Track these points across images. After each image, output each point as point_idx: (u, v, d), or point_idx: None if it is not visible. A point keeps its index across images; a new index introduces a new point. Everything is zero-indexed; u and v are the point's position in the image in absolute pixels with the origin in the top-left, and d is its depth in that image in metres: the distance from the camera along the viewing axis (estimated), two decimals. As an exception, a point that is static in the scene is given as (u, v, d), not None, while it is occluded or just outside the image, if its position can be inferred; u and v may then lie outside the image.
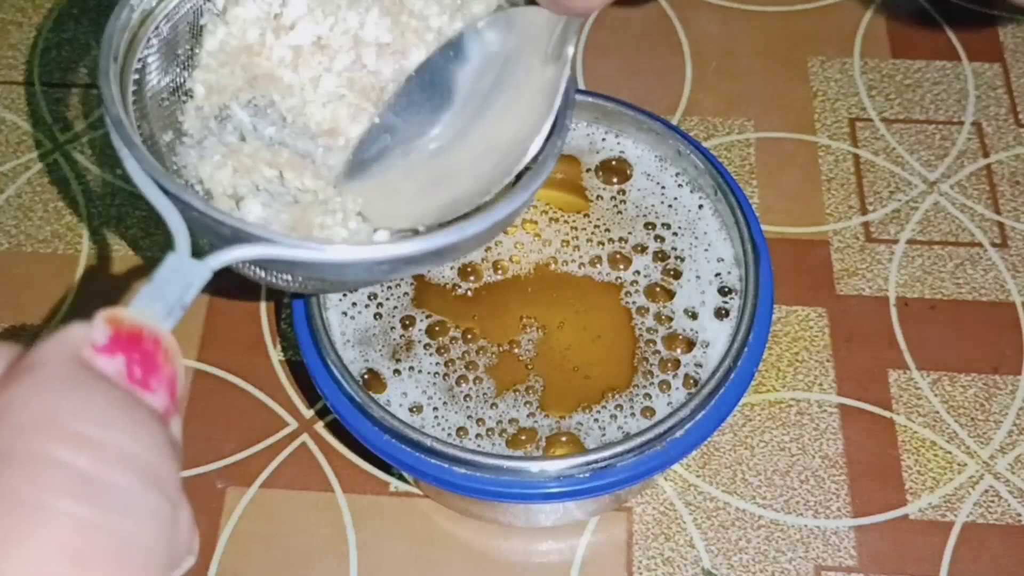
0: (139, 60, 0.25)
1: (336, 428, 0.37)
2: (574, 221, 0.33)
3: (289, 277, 0.24)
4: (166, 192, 0.21)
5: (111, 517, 0.13)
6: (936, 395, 0.38)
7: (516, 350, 0.31)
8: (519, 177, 0.25)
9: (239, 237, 0.21)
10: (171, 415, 0.16)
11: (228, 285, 0.41)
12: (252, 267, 0.25)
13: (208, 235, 0.22)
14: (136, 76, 0.25)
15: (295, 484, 0.36)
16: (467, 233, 0.22)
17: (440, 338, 0.31)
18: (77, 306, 0.40)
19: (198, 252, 0.19)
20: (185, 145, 0.26)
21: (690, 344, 0.31)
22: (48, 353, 0.15)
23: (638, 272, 0.32)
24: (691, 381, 0.30)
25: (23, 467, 0.13)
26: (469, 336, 0.31)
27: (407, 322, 0.31)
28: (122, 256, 0.42)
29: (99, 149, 0.45)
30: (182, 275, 0.18)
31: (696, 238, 0.32)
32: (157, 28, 0.25)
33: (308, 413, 0.38)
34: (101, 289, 0.41)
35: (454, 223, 0.22)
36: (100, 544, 0.13)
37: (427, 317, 0.31)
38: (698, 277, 0.32)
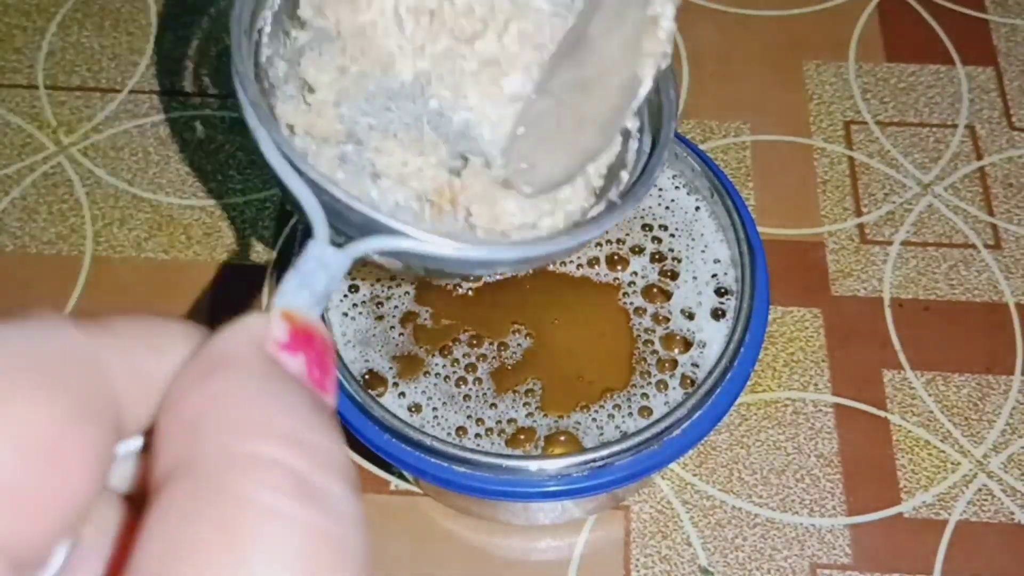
0: (256, 33, 0.24)
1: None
2: (572, 223, 0.34)
3: (422, 267, 0.23)
4: (305, 178, 0.20)
5: (327, 521, 0.13)
6: (930, 395, 0.38)
7: (515, 350, 0.31)
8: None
9: (377, 228, 0.20)
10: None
11: (231, 285, 0.41)
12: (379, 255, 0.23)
13: (340, 222, 0.20)
14: (255, 48, 0.24)
15: (297, 483, 0.37)
16: (598, 230, 0.22)
17: (441, 339, 0.32)
18: (82, 307, 0.41)
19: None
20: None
21: (687, 344, 0.31)
22: (239, 346, 0.14)
23: (636, 273, 0.32)
24: (688, 381, 0.30)
25: (246, 468, 0.12)
26: (469, 336, 0.32)
27: (407, 322, 0.32)
28: (126, 258, 0.42)
29: (103, 152, 0.45)
30: (325, 264, 0.17)
31: (693, 239, 0.33)
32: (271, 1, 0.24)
33: (309, 413, 0.38)
34: (105, 290, 0.41)
35: (584, 224, 0.22)
36: (326, 550, 0.13)
37: (428, 317, 0.32)
38: (695, 278, 0.32)
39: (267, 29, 0.24)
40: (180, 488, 0.12)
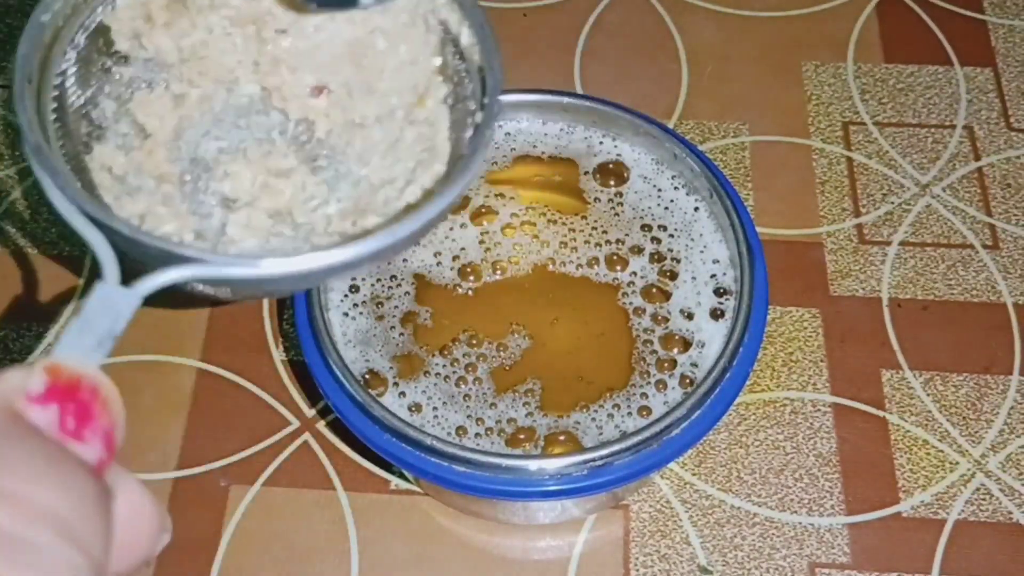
0: (58, 76, 0.24)
1: (337, 427, 0.38)
2: (572, 223, 0.34)
3: (227, 291, 0.23)
4: (92, 219, 0.20)
5: (23, 574, 0.13)
6: (928, 395, 0.38)
7: (515, 350, 0.32)
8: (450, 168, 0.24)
9: (169, 259, 0.20)
10: (106, 465, 0.15)
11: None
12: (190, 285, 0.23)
13: (140, 257, 0.21)
14: (56, 93, 0.23)
15: (297, 482, 0.37)
16: (402, 233, 0.21)
17: (441, 339, 0.32)
18: (82, 307, 0.41)
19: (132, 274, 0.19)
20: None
21: (686, 344, 0.31)
22: None
23: (635, 273, 0.33)
24: (687, 381, 0.31)
25: None
26: (469, 336, 0.32)
27: (407, 322, 0.32)
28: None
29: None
30: (111, 305, 0.17)
31: (692, 240, 0.33)
32: (73, 40, 0.24)
33: (310, 412, 0.38)
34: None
35: (390, 224, 0.22)
36: None
37: (428, 317, 0.32)
38: (694, 278, 0.32)
39: (71, 70, 0.24)
40: None
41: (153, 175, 0.24)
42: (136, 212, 0.23)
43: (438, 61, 0.25)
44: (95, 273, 0.42)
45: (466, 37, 0.25)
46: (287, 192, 0.25)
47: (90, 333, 0.17)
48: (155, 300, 0.19)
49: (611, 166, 0.35)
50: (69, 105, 0.24)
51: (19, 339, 0.40)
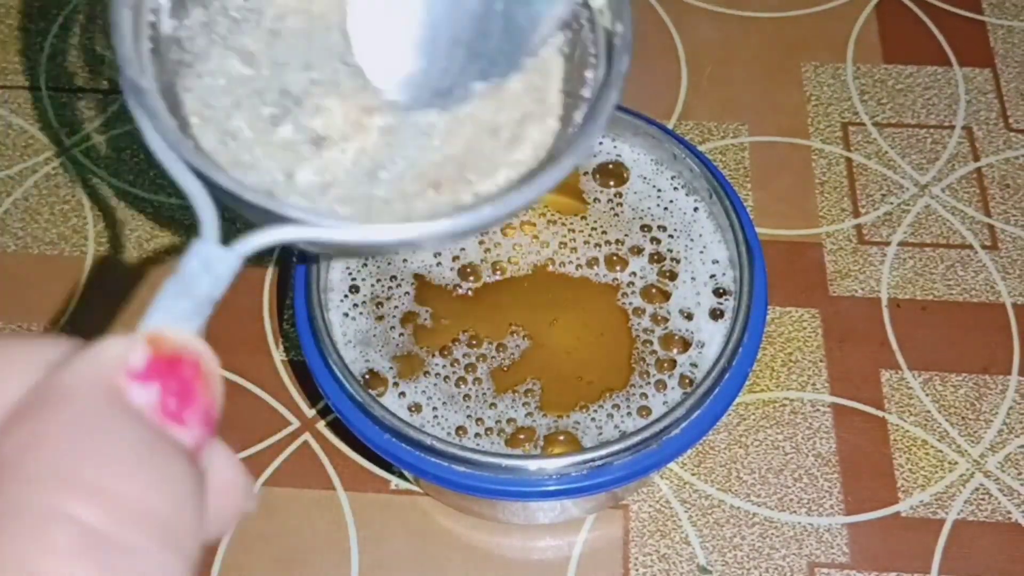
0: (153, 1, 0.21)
1: (337, 427, 0.38)
2: (571, 223, 0.34)
3: (330, 252, 0.21)
4: (193, 169, 0.18)
5: None
6: (927, 395, 0.38)
7: (514, 350, 0.32)
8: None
9: (272, 219, 0.18)
10: (203, 448, 0.14)
11: (231, 285, 0.41)
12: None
13: (239, 212, 0.19)
14: (152, 19, 0.21)
15: (297, 482, 0.37)
16: (515, 204, 0.20)
17: (440, 339, 0.32)
18: (83, 307, 0.41)
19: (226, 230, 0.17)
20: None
21: (686, 344, 0.31)
22: (80, 381, 0.13)
23: (634, 274, 0.33)
24: (687, 381, 0.31)
25: (32, 526, 0.12)
26: (469, 337, 0.32)
27: (407, 322, 0.32)
28: (127, 258, 0.42)
29: (104, 153, 0.45)
30: (210, 266, 0.16)
31: (691, 240, 0.33)
32: None
33: (310, 412, 0.39)
34: (106, 290, 0.41)
35: (500, 196, 0.20)
36: None
37: (428, 317, 0.32)
38: (693, 279, 0.32)
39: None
40: None
41: (244, 108, 0.22)
42: (228, 155, 0.21)
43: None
44: (96, 274, 0.42)
45: None
46: (375, 133, 0.22)
47: (188, 296, 0.16)
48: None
49: (611, 167, 0.35)
50: (162, 33, 0.22)
51: (20, 339, 0.40)
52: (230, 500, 0.15)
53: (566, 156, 0.20)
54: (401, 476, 0.37)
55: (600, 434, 0.30)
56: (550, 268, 0.33)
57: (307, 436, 0.38)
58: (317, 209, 0.20)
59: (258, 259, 0.42)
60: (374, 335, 0.32)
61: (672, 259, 0.33)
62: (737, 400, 0.30)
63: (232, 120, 0.22)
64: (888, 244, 0.42)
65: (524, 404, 0.31)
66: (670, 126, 0.45)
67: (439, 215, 0.19)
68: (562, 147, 0.22)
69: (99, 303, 0.41)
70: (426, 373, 0.31)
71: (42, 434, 0.13)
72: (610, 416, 0.30)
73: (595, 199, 0.34)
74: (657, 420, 0.28)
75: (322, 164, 0.22)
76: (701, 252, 0.33)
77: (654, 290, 0.32)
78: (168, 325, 0.15)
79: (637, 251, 0.33)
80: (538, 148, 0.22)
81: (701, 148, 0.44)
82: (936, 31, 0.48)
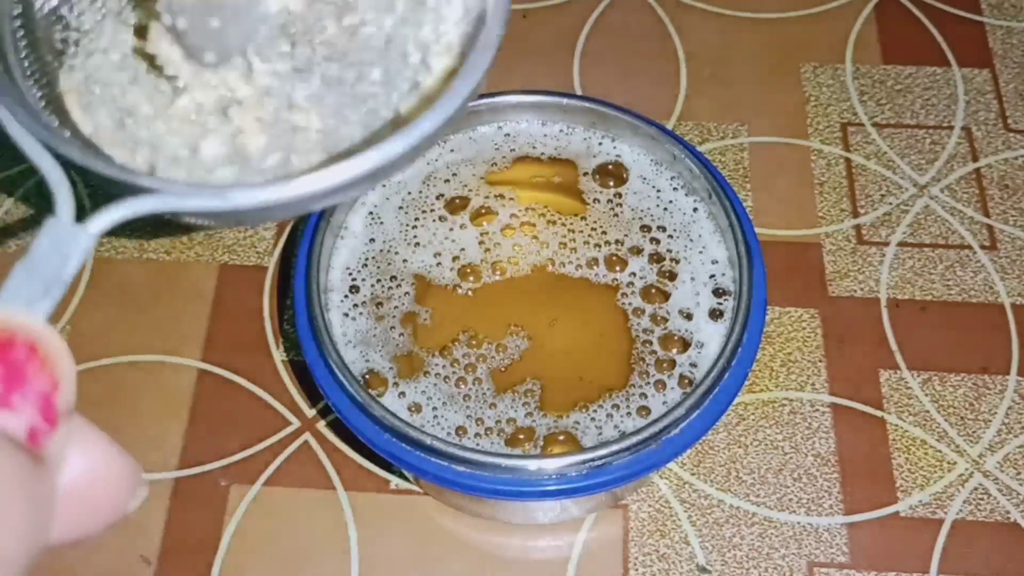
0: None
1: (337, 427, 0.38)
2: (571, 224, 0.34)
3: (199, 221, 0.20)
4: (45, 146, 0.18)
5: None
6: (926, 394, 0.39)
7: (514, 351, 0.32)
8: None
9: (124, 189, 0.17)
10: (43, 433, 0.14)
11: (232, 286, 0.42)
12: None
13: (102, 188, 0.18)
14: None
15: (297, 482, 0.37)
16: (391, 153, 0.18)
17: (440, 339, 0.32)
18: (83, 308, 0.41)
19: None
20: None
21: (685, 344, 0.31)
22: None
23: (634, 274, 0.33)
24: (686, 381, 0.31)
25: None
26: (469, 337, 0.32)
27: (407, 322, 0.32)
28: (127, 259, 0.42)
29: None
30: (61, 245, 0.15)
31: (691, 240, 0.33)
32: None
33: (310, 412, 0.39)
34: (107, 291, 0.42)
35: (377, 143, 0.18)
36: None
37: (428, 317, 0.32)
38: (693, 279, 0.32)
39: None
40: None
41: (141, 82, 0.21)
42: (103, 125, 0.20)
43: None
44: (96, 274, 0.42)
45: None
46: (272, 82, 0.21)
47: (37, 277, 0.15)
48: (138, 226, 0.17)
49: (610, 167, 0.35)
50: (37, 11, 0.21)
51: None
52: (103, 494, 0.15)
53: (445, 97, 0.19)
54: (401, 476, 0.37)
55: (600, 434, 0.30)
56: (550, 268, 0.33)
57: (307, 436, 0.38)
58: (172, 179, 0.19)
59: (258, 259, 0.42)
60: (374, 335, 0.32)
61: (672, 259, 0.33)
62: (736, 400, 0.30)
63: (128, 96, 0.21)
64: (887, 244, 0.42)
65: (524, 404, 0.31)
66: (669, 126, 0.45)
67: (300, 173, 0.18)
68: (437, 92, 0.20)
69: (99, 304, 0.41)
70: (426, 373, 0.31)
71: None
72: (610, 416, 0.30)
73: (595, 199, 0.34)
74: (656, 420, 0.29)
75: (230, 131, 0.21)
76: (700, 252, 0.33)
77: (654, 290, 0.32)
78: (11, 307, 0.14)
79: (637, 251, 0.33)
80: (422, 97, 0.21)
81: (700, 148, 0.44)
82: (935, 32, 0.48)
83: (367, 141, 0.20)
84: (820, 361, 0.39)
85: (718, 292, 0.32)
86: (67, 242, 0.15)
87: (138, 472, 0.15)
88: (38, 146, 0.18)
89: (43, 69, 0.21)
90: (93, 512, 0.14)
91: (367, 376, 0.31)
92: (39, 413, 0.14)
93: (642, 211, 0.34)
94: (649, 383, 0.31)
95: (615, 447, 0.28)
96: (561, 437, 0.30)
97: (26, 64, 0.20)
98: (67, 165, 0.17)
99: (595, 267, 0.33)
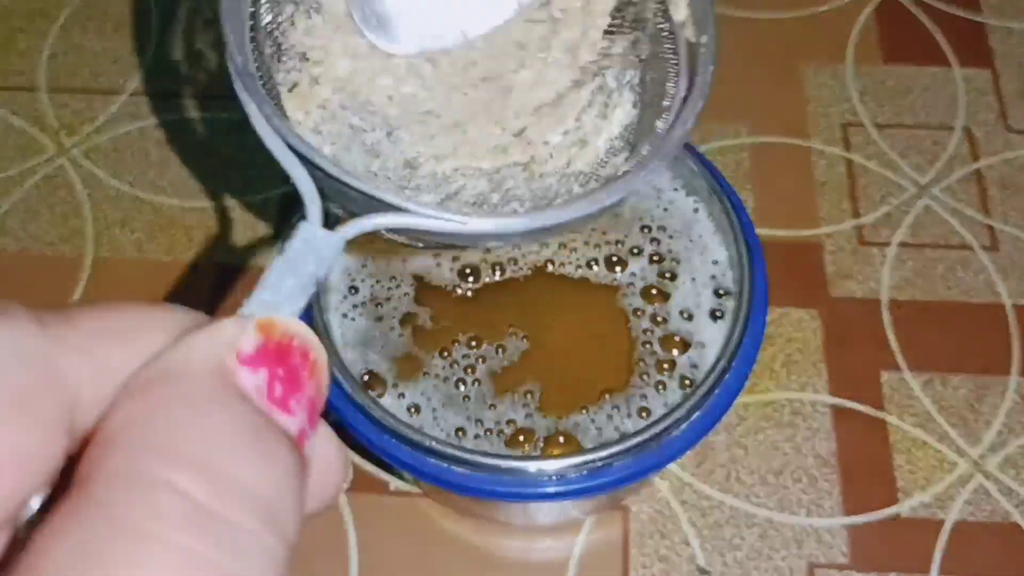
0: None
1: (337, 428, 0.38)
2: (571, 225, 0.34)
3: (422, 241, 0.22)
4: (298, 155, 0.19)
5: (221, 555, 0.12)
6: (927, 395, 0.38)
7: (514, 352, 0.32)
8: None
9: (372, 205, 0.19)
10: (307, 437, 0.15)
11: (232, 287, 0.41)
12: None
13: (337, 198, 0.20)
14: (251, 8, 0.22)
15: (297, 483, 0.37)
16: (605, 201, 0.20)
17: (440, 340, 0.32)
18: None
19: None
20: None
21: (686, 345, 0.31)
22: (192, 360, 0.14)
23: (634, 274, 0.33)
24: (686, 382, 0.31)
25: (141, 493, 0.12)
26: (468, 338, 0.32)
27: (407, 323, 0.32)
28: (127, 259, 0.42)
29: (104, 154, 0.45)
30: (315, 248, 0.16)
31: (691, 241, 0.33)
32: None
33: (310, 414, 0.38)
34: (106, 292, 0.41)
35: (593, 193, 0.21)
36: None
37: (427, 319, 0.32)
38: (693, 279, 0.32)
39: None
40: (72, 509, 0.12)
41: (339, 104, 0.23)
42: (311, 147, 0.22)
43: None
44: (95, 275, 0.42)
45: None
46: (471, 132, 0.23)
47: (293, 276, 0.16)
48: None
49: (610, 167, 0.35)
50: (262, 24, 0.22)
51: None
52: (330, 478, 0.16)
53: (654, 158, 0.21)
54: (400, 477, 0.37)
55: (600, 435, 0.30)
56: (550, 269, 0.33)
57: (307, 437, 0.38)
58: (416, 197, 0.20)
59: (258, 259, 0.42)
60: (373, 336, 0.32)
61: (672, 260, 0.33)
62: (737, 401, 0.30)
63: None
64: (888, 245, 0.42)
65: (524, 405, 0.31)
66: (670, 127, 0.45)
67: (534, 211, 0.20)
68: (651, 151, 0.22)
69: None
70: (425, 374, 0.31)
71: (151, 409, 0.13)
72: (610, 417, 0.30)
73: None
74: (657, 421, 0.28)
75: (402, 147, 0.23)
76: (701, 253, 0.33)
77: (654, 291, 0.32)
78: (277, 305, 0.16)
79: (637, 251, 0.33)
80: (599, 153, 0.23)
81: (701, 149, 0.44)
82: (936, 32, 0.48)
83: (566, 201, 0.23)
84: (821, 362, 0.39)
85: (718, 293, 0.32)
86: (320, 246, 0.17)
87: (349, 464, 0.16)
88: (293, 157, 0.19)
89: (267, 77, 0.22)
90: (318, 495, 0.15)
91: (366, 377, 0.31)
92: (307, 417, 0.15)
93: (642, 211, 0.34)
94: (649, 384, 0.31)
95: (615, 448, 0.28)
96: (561, 438, 0.30)
97: (258, 71, 0.21)
98: (315, 174, 0.19)
99: (595, 267, 0.33)
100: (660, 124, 0.23)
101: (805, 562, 0.35)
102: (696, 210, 0.34)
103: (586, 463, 0.28)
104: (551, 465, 0.28)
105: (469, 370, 0.31)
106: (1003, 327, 0.40)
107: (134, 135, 0.46)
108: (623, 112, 0.24)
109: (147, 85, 0.47)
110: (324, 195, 0.18)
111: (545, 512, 0.34)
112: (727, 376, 0.29)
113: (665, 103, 0.24)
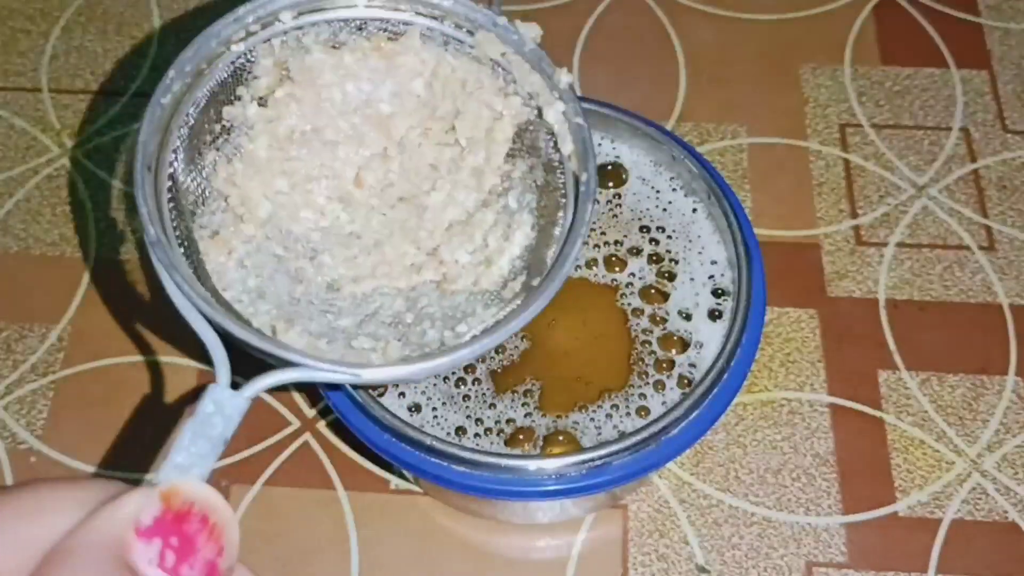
0: (172, 153, 0.23)
1: (338, 427, 0.38)
2: (571, 225, 0.34)
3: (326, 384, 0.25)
4: (206, 318, 0.21)
5: None
6: (925, 395, 0.39)
7: (513, 351, 0.32)
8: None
9: (277, 361, 0.21)
10: None
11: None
12: None
13: (248, 351, 0.21)
14: (170, 170, 0.23)
15: (298, 482, 0.37)
16: (489, 347, 0.23)
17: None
18: (84, 309, 0.41)
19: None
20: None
21: (684, 345, 0.31)
22: (91, 537, 0.15)
23: (633, 274, 0.33)
24: (685, 381, 0.31)
25: None
26: (468, 337, 0.32)
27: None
28: (128, 259, 0.42)
29: (106, 154, 0.45)
30: (223, 409, 0.18)
31: (690, 241, 0.33)
32: (186, 116, 0.24)
33: (310, 412, 0.39)
34: (107, 293, 0.42)
35: (485, 334, 0.23)
36: None
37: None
38: (692, 279, 0.33)
39: (182, 147, 0.24)
40: None
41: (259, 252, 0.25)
42: (240, 298, 0.24)
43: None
44: (97, 275, 0.42)
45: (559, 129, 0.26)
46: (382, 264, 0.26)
47: (204, 438, 0.17)
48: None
49: (610, 168, 0.35)
50: (181, 183, 0.24)
51: (22, 339, 0.40)
52: None
53: (535, 298, 0.23)
54: (401, 476, 0.37)
55: (599, 434, 0.30)
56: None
57: (308, 436, 0.38)
58: (316, 354, 0.22)
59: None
60: (374, 336, 0.32)
61: (671, 260, 0.33)
62: (735, 400, 0.30)
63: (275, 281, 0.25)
64: (886, 245, 0.42)
65: (523, 404, 0.31)
66: (669, 127, 0.45)
67: (428, 356, 0.22)
68: (539, 284, 0.24)
69: (100, 305, 0.41)
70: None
71: None
72: (609, 416, 0.30)
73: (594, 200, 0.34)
74: (656, 420, 0.29)
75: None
76: (699, 253, 0.33)
77: (653, 291, 0.32)
78: (189, 467, 0.17)
79: (636, 252, 0.33)
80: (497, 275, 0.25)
81: (700, 149, 0.45)
82: (933, 33, 0.49)
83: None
84: (819, 361, 0.39)
85: (717, 292, 0.32)
86: (227, 407, 0.18)
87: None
88: (203, 321, 0.21)
89: (184, 233, 0.24)
90: None
91: (367, 376, 0.31)
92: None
93: (641, 212, 0.34)
94: (648, 383, 0.31)
95: (614, 447, 0.28)
96: (561, 437, 0.30)
97: (175, 228, 0.23)
98: (224, 335, 0.21)
99: (594, 267, 0.33)
100: (549, 255, 0.25)
101: (803, 560, 0.35)
102: (695, 210, 0.34)
103: (585, 462, 0.28)
104: (551, 464, 0.28)
105: (469, 369, 0.31)
106: (1000, 327, 0.40)
107: (134, 136, 0.46)
108: (522, 234, 0.26)
109: (148, 86, 0.47)
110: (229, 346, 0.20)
111: (544, 510, 0.34)
112: (725, 375, 0.29)
113: (556, 232, 0.25)
